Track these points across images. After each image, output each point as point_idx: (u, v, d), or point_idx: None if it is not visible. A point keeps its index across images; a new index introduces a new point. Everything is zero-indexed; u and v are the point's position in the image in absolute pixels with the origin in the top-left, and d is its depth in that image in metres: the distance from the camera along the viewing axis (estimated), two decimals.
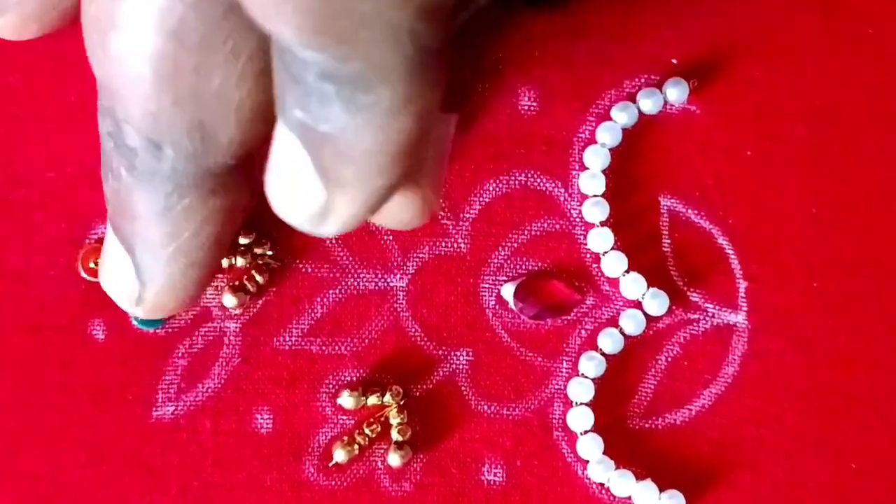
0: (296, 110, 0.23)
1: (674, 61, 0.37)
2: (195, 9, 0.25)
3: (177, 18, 0.25)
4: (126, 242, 0.30)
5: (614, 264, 0.37)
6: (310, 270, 0.37)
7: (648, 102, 0.37)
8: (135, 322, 0.36)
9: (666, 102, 0.37)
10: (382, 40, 0.21)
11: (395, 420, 0.36)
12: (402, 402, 0.37)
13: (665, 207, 0.37)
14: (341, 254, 0.37)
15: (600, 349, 0.37)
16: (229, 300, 0.36)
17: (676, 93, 0.37)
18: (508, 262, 0.37)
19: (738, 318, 0.37)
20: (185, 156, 0.27)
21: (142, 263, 0.30)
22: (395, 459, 0.36)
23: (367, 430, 0.36)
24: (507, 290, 0.37)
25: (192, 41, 0.25)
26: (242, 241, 0.36)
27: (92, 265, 0.36)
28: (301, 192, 0.24)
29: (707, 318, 0.37)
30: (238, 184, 0.29)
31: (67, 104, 0.37)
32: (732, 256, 0.37)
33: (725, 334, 0.37)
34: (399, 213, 0.29)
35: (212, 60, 0.26)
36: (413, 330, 0.37)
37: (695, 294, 0.37)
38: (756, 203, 0.37)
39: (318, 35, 0.21)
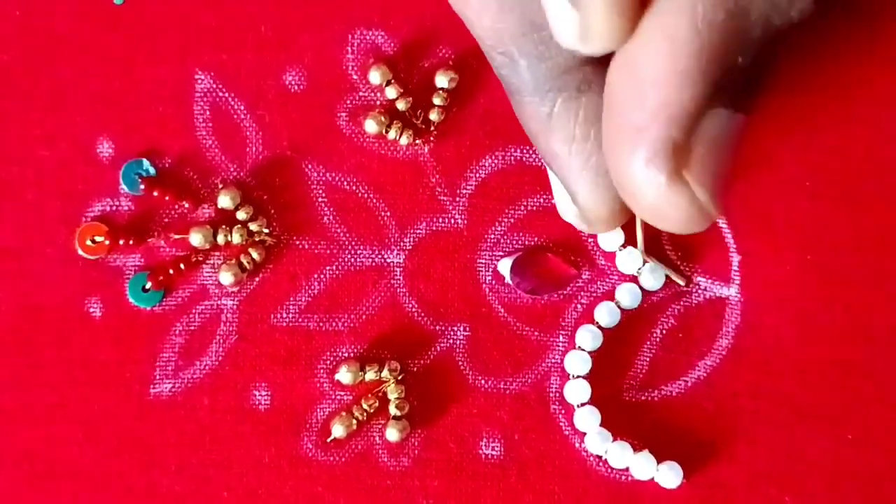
0: None
1: None
2: None
3: None
4: (547, 163, 0.32)
5: (610, 238, 0.37)
6: (306, 247, 0.37)
7: None
8: (131, 298, 0.36)
9: None
10: None
11: (392, 395, 0.36)
12: (399, 378, 0.37)
13: None
14: (338, 230, 0.37)
15: (597, 322, 0.37)
16: (226, 277, 0.36)
17: None
18: (505, 237, 0.37)
19: (731, 292, 0.37)
20: (534, 60, 0.30)
21: (562, 177, 0.32)
22: (393, 434, 0.36)
23: (365, 406, 0.36)
24: (504, 265, 0.37)
25: None
26: (239, 216, 0.36)
27: (89, 242, 0.36)
28: (562, 19, 0.27)
29: (700, 292, 0.37)
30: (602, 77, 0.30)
31: (61, 82, 0.37)
32: (726, 230, 0.37)
33: (718, 307, 0.37)
34: (669, 210, 0.28)
35: None
36: (410, 306, 0.37)
37: (688, 268, 0.37)
38: (749, 177, 0.37)
39: None
